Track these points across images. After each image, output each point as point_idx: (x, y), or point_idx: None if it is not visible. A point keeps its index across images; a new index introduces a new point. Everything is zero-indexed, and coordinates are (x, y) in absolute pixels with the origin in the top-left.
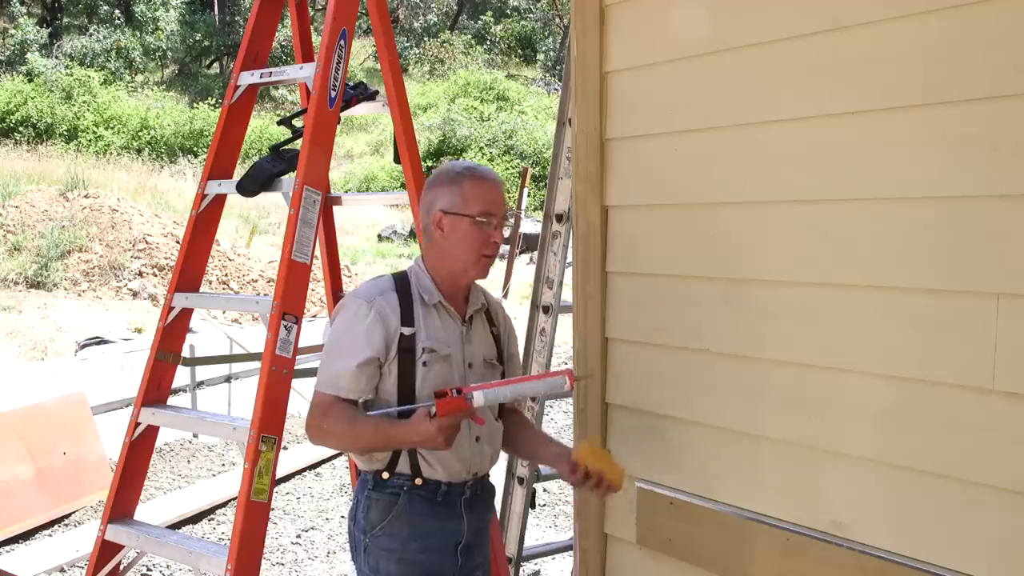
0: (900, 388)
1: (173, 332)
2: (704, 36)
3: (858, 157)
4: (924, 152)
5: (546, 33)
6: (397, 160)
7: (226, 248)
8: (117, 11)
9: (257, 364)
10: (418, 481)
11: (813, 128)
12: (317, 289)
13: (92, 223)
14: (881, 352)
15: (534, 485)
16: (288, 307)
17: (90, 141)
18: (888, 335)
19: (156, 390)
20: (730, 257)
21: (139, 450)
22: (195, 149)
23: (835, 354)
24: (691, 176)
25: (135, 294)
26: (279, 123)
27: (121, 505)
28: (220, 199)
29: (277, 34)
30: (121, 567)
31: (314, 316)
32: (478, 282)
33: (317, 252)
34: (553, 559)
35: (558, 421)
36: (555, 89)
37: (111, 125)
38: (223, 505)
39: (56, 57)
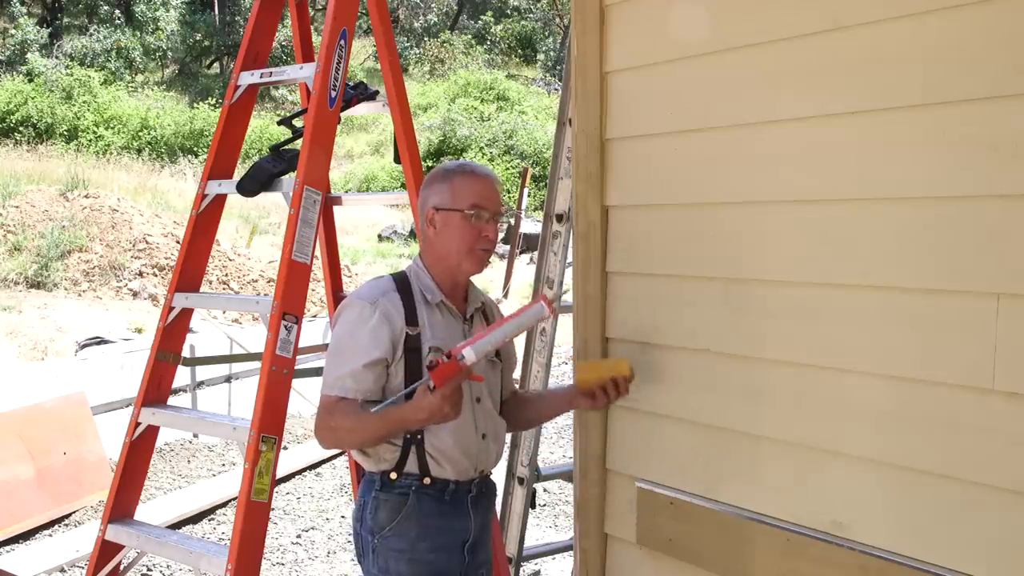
0: (900, 388)
1: (173, 332)
2: (704, 36)
3: (858, 157)
4: (924, 152)
5: (546, 33)
6: (397, 160)
7: (226, 248)
8: (117, 11)
9: (257, 364)
10: (427, 481)
11: (813, 128)
12: (317, 289)
13: (92, 223)
14: (881, 352)
15: (534, 485)
16: (288, 307)
17: (90, 141)
18: (888, 335)
19: (156, 390)
20: (730, 257)
21: (139, 450)
22: (195, 149)
23: (835, 354)
24: (691, 176)
25: (135, 294)
26: (279, 123)
27: (121, 505)
28: (220, 199)
29: (277, 34)
30: (121, 567)
31: (314, 316)
32: (475, 284)
33: (317, 252)
34: (553, 559)
35: (558, 421)
36: (555, 89)
37: (111, 125)
38: (223, 505)
39: (56, 57)
